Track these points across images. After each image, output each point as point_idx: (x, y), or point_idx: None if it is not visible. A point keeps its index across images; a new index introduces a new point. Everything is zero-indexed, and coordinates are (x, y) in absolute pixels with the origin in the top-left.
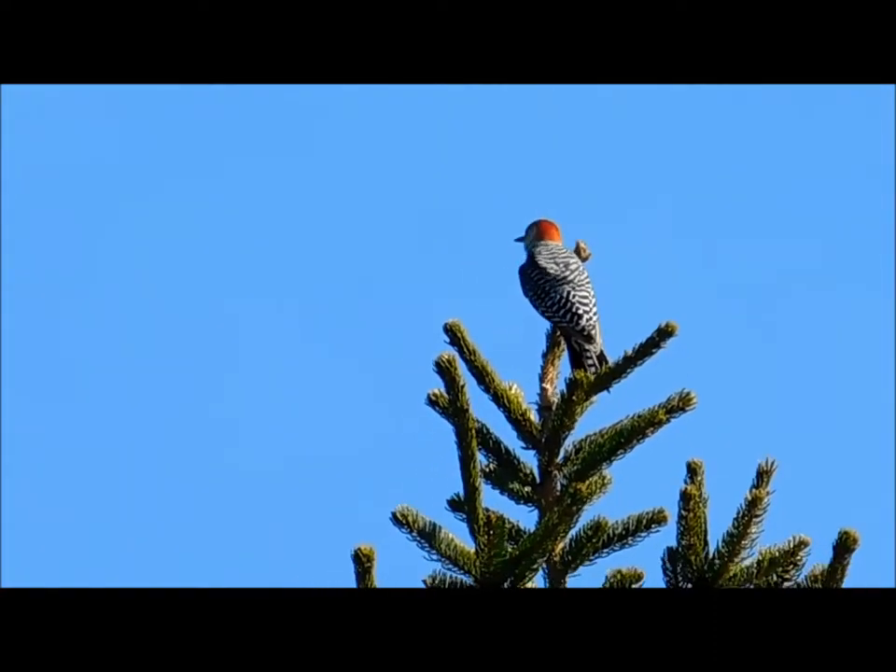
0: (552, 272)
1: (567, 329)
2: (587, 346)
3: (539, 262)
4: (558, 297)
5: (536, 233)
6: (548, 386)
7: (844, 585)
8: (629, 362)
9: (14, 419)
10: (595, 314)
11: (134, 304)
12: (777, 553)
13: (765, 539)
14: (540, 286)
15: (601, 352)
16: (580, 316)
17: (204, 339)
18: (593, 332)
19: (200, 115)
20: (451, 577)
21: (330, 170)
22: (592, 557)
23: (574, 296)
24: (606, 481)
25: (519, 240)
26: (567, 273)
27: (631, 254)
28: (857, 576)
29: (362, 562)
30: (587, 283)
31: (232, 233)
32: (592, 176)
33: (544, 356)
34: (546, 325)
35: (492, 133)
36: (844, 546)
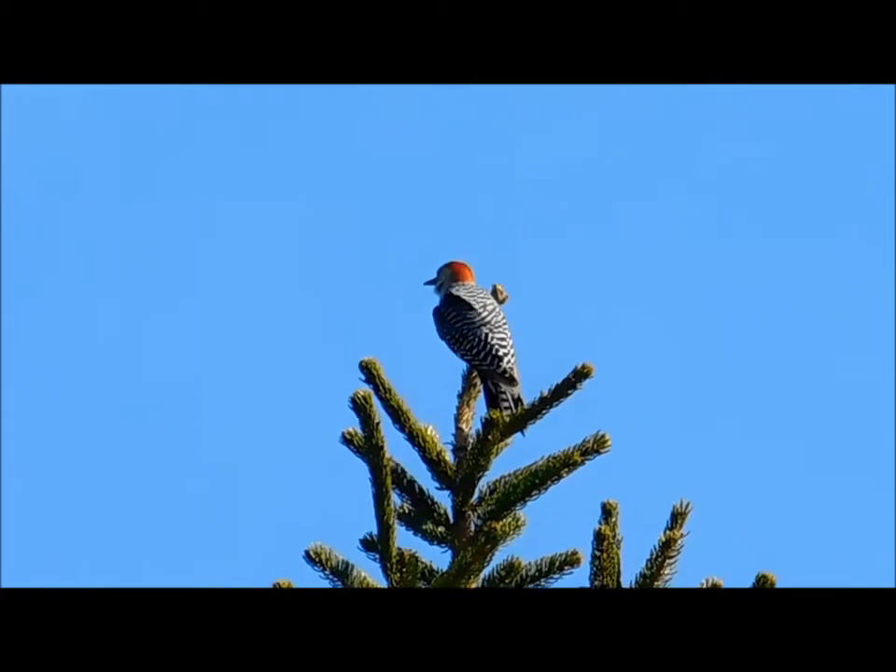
0: (469, 313)
1: (486, 371)
2: (506, 388)
3: (456, 303)
4: (476, 339)
5: (450, 274)
6: (463, 427)
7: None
8: (545, 403)
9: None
10: (513, 355)
11: (133, 304)
12: None
13: (678, 581)
14: (458, 328)
15: (518, 394)
16: (500, 358)
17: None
18: (513, 373)
19: (199, 115)
20: None
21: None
22: None
23: (492, 338)
24: (520, 522)
25: (429, 283)
26: (485, 314)
27: (547, 294)
28: (857, 576)
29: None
30: (504, 324)
31: (231, 233)
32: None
33: (460, 396)
34: (462, 365)
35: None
36: (762, 589)
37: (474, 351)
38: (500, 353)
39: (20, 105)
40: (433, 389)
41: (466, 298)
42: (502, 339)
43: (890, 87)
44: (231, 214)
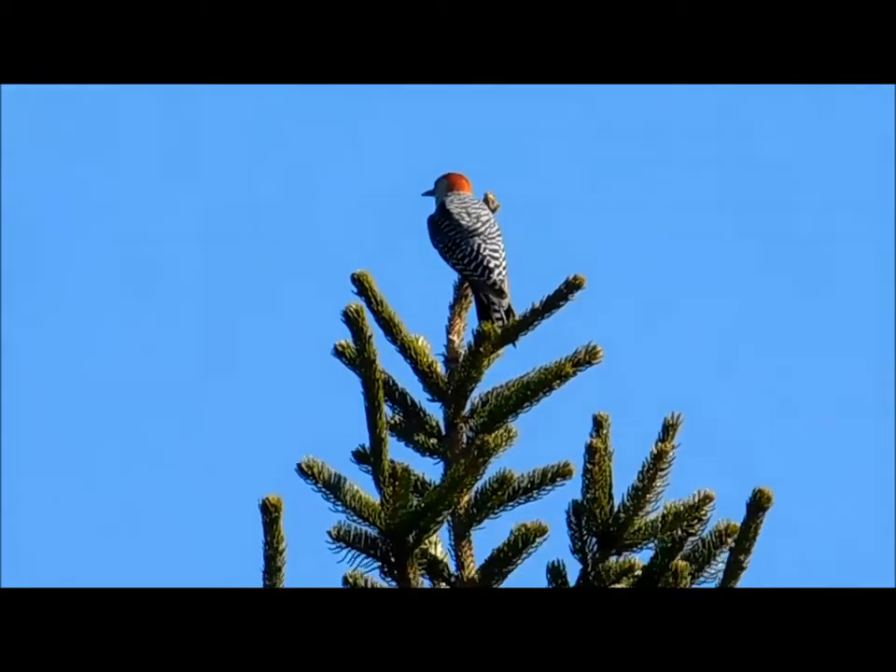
0: (463, 223)
1: (476, 282)
2: (496, 300)
3: (451, 213)
4: (469, 249)
5: (446, 185)
6: (455, 338)
7: (757, 546)
8: (536, 315)
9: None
10: (504, 267)
11: (132, 303)
12: (681, 508)
13: (670, 494)
14: (451, 237)
15: (509, 305)
16: (490, 270)
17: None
18: (503, 286)
19: (198, 114)
20: (356, 528)
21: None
22: (497, 510)
23: (485, 249)
24: (511, 434)
25: (427, 193)
26: (479, 224)
27: (542, 204)
28: (857, 576)
29: (270, 512)
30: (498, 235)
31: (229, 234)
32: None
33: (451, 307)
34: (454, 276)
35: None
36: (758, 504)
37: (465, 261)
38: (491, 264)
39: (20, 105)
40: (425, 301)
41: (459, 207)
42: (494, 250)
43: (890, 87)
44: (228, 213)
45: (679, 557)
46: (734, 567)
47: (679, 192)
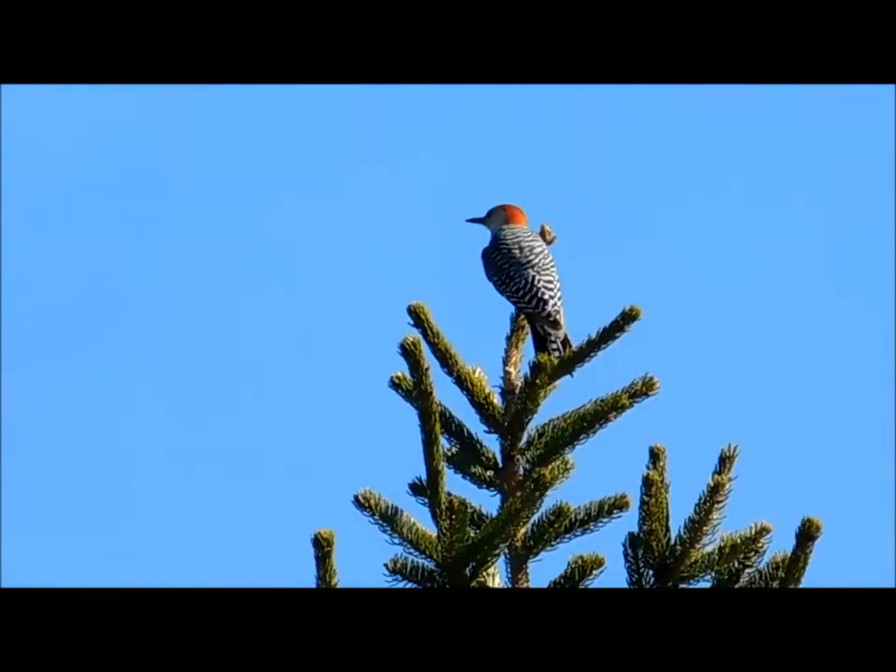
0: (517, 255)
1: (531, 314)
2: (552, 332)
3: (505, 245)
4: (523, 281)
5: (503, 217)
6: (511, 370)
7: (806, 576)
8: (593, 346)
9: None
10: (559, 298)
11: (131, 302)
12: (738, 540)
13: (727, 526)
14: (504, 269)
15: (565, 336)
16: (545, 302)
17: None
18: (558, 317)
19: (198, 114)
20: (412, 561)
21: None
22: (554, 542)
23: (539, 280)
24: (568, 465)
25: (474, 220)
26: (532, 257)
27: (598, 237)
28: (857, 576)
29: (322, 546)
30: (552, 267)
31: (229, 233)
32: (577, 167)
33: (508, 339)
34: (510, 308)
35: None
36: (807, 534)
37: (520, 293)
38: (546, 296)
39: (20, 105)
40: (481, 332)
41: (513, 240)
42: (549, 282)
43: (890, 87)
44: (229, 213)
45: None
46: None
47: (723, 215)
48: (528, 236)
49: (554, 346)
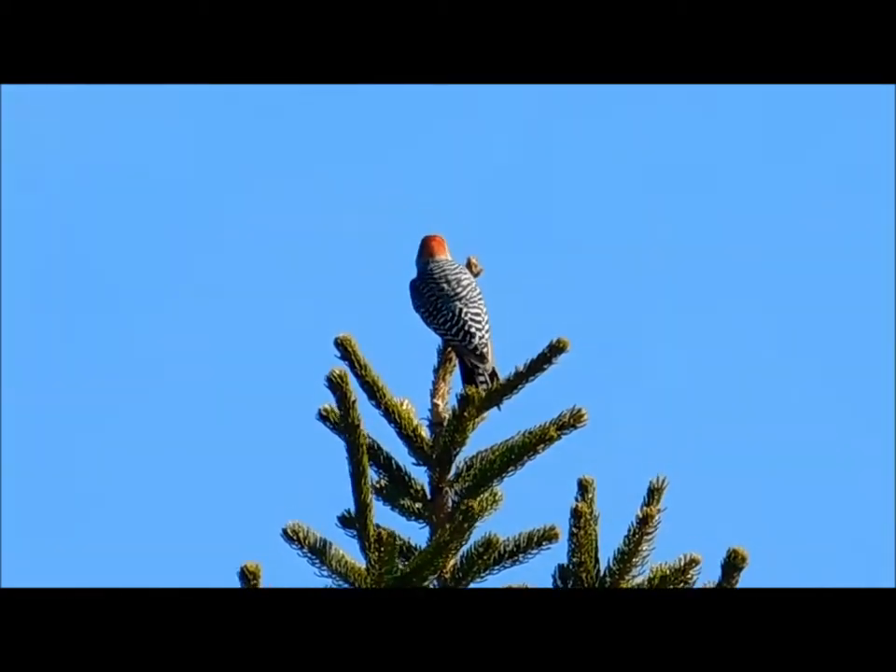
0: (444, 288)
1: (459, 347)
2: (479, 365)
3: (432, 278)
4: (450, 314)
5: (424, 250)
6: (439, 402)
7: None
8: (520, 378)
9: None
10: (487, 331)
11: (131, 302)
12: (667, 571)
13: (656, 557)
14: (432, 302)
15: (493, 369)
16: (472, 335)
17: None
18: (485, 351)
19: (198, 114)
20: None
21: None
22: (483, 574)
23: (466, 313)
24: (497, 497)
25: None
26: (459, 289)
27: (524, 268)
28: (857, 575)
29: (248, 579)
30: (479, 299)
31: (229, 233)
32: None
33: (435, 371)
34: (437, 340)
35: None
36: (732, 564)
37: (447, 326)
38: (472, 329)
39: (20, 105)
40: (409, 365)
41: (440, 272)
42: (476, 314)
43: (890, 87)
44: (228, 213)
45: None
46: None
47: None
48: (455, 268)
49: (482, 379)
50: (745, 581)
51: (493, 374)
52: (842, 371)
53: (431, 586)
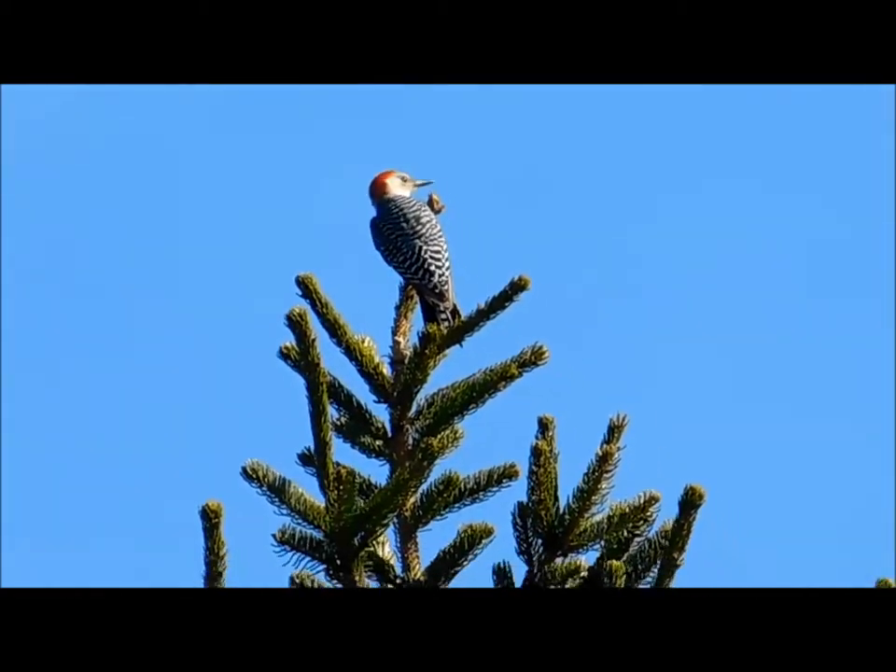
0: (403, 227)
1: (419, 286)
2: (439, 303)
3: (390, 217)
4: (410, 252)
5: (376, 189)
6: (400, 340)
7: (690, 543)
8: (482, 316)
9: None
10: (447, 269)
11: (132, 302)
12: (627, 509)
13: (616, 495)
14: (391, 240)
15: (454, 306)
16: (431, 273)
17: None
18: (444, 289)
19: (198, 114)
20: (300, 531)
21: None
22: (443, 512)
23: (426, 251)
24: (457, 435)
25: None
26: (419, 227)
27: (492, 204)
28: (857, 576)
29: (209, 518)
30: (439, 237)
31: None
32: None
33: (397, 309)
34: (399, 278)
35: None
36: (689, 502)
37: (406, 264)
38: (432, 267)
39: (20, 105)
40: (370, 303)
41: (398, 210)
42: (436, 252)
43: (890, 87)
44: (228, 213)
45: (624, 558)
46: (668, 566)
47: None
48: (413, 206)
49: (444, 317)
50: (735, 579)
51: (454, 312)
52: (842, 371)
53: (392, 524)
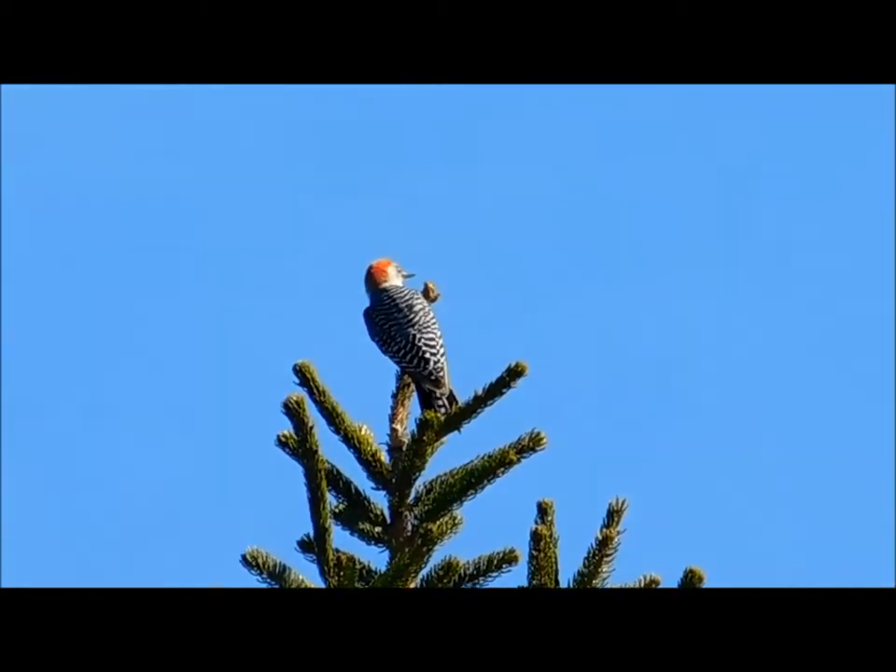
0: (395, 316)
1: (414, 374)
2: (435, 390)
3: (382, 307)
4: (404, 341)
5: (370, 279)
6: (398, 427)
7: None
8: (479, 402)
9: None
10: (442, 355)
11: (131, 302)
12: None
13: (616, 579)
14: (385, 330)
15: (450, 392)
16: (426, 361)
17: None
18: (440, 376)
19: (198, 114)
20: None
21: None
22: None
23: (420, 339)
24: (457, 521)
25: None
26: (412, 315)
27: (482, 292)
28: (857, 576)
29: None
30: (433, 324)
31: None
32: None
33: (394, 396)
34: (395, 366)
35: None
36: (689, 584)
37: (401, 353)
38: (426, 355)
39: (20, 105)
40: (368, 390)
41: (390, 300)
42: (430, 339)
43: (891, 87)
44: (227, 213)
45: None
46: None
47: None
48: (405, 295)
49: (440, 403)
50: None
51: (451, 398)
52: (841, 371)
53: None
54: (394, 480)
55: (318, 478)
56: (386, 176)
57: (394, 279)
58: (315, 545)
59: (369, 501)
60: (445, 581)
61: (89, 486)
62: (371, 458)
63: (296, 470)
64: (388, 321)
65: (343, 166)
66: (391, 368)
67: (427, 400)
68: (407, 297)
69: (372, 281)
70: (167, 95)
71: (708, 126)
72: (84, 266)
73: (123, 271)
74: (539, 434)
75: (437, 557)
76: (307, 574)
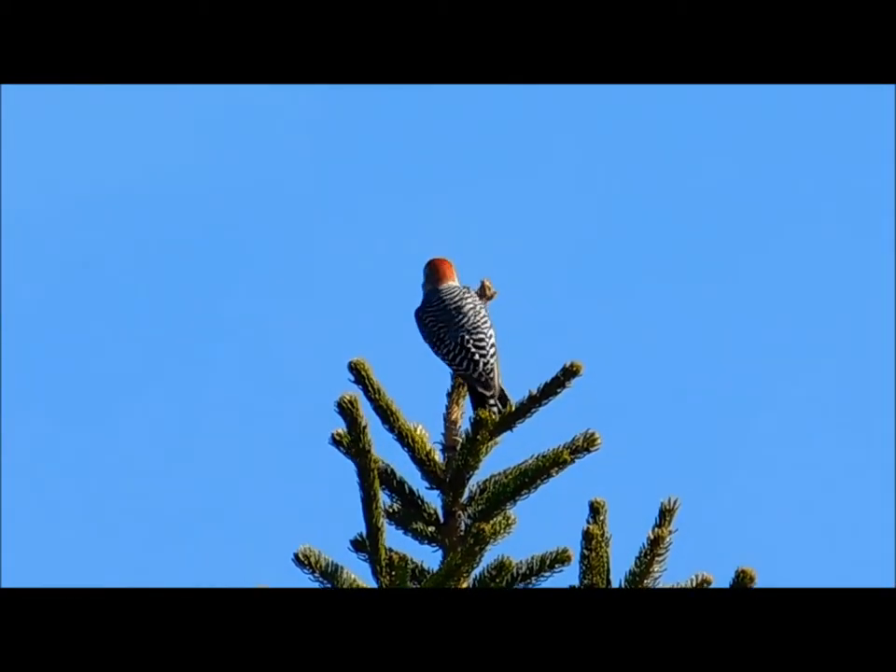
0: (444, 318)
1: (464, 375)
2: (485, 391)
3: (432, 308)
4: (453, 344)
5: (428, 274)
6: (452, 426)
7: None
8: (534, 402)
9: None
10: (492, 356)
11: (131, 302)
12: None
13: (668, 578)
14: (434, 332)
15: (501, 391)
16: (476, 363)
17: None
18: (490, 377)
19: (198, 114)
20: None
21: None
22: None
23: (468, 341)
24: (510, 521)
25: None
26: (461, 317)
27: (539, 290)
28: (856, 576)
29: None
30: (483, 324)
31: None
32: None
33: (449, 395)
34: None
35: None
36: (741, 584)
37: (451, 356)
38: (476, 357)
39: (20, 105)
40: (423, 389)
41: (440, 301)
42: (480, 340)
43: (890, 87)
44: (227, 213)
45: None
46: None
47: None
48: (455, 295)
49: (491, 402)
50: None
51: (502, 397)
52: (840, 371)
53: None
54: (448, 479)
55: (371, 477)
56: (449, 176)
57: (455, 279)
58: (367, 544)
59: (422, 501)
60: (498, 580)
61: (138, 485)
62: (425, 458)
63: (350, 469)
64: (438, 323)
65: (407, 165)
66: (445, 367)
67: (480, 400)
68: (456, 298)
69: (436, 276)
70: (166, 95)
71: (707, 126)
72: (109, 268)
73: (148, 272)
74: (593, 434)
75: (489, 557)
76: (359, 574)
